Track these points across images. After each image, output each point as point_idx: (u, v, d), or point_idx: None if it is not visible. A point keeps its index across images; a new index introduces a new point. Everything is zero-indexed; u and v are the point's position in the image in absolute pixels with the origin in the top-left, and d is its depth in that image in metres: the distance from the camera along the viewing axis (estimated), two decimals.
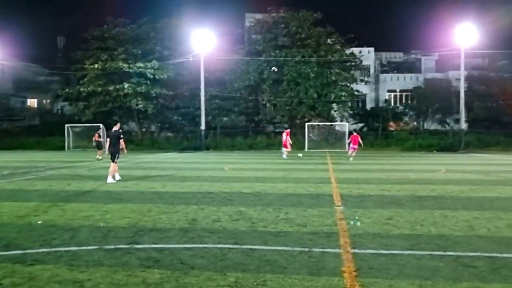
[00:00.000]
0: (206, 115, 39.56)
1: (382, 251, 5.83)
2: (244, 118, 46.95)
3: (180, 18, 43.87)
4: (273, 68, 43.75)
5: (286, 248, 5.99)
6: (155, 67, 41.20)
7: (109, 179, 13.60)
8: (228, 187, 12.32)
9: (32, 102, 62.01)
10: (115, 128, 14.22)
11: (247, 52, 44.80)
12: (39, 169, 18.61)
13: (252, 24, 46.85)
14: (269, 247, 6.06)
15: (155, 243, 6.28)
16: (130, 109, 43.27)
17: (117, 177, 14.05)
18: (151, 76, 41.26)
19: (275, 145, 40.01)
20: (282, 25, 44.14)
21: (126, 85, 41.06)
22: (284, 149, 26.28)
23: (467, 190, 11.75)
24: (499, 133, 39.24)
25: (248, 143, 40.21)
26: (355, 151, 24.97)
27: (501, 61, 45.88)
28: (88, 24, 47.47)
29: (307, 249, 5.91)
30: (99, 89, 41.72)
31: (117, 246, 6.09)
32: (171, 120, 47.99)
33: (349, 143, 26.43)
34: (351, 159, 24.25)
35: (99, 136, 27.98)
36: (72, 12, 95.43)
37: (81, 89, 42.50)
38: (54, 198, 10.40)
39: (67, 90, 45.17)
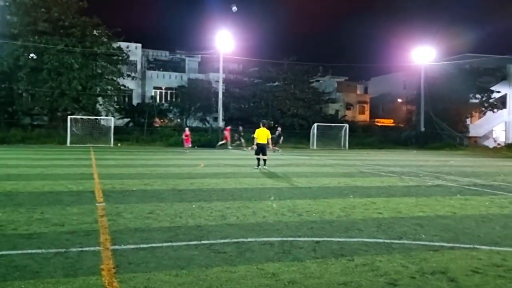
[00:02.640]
0: None
1: (142, 245, 6.00)
2: None
3: None
4: (31, 55, 39.64)
5: (39, 251, 5.62)
6: None
7: None
8: None
9: None
10: None
11: (0, 34, 39.47)
12: None
13: (7, 3, 41.46)
14: (19, 251, 5.59)
15: None
16: None
17: None
18: None
19: (32, 138, 36.42)
20: (43, 9, 40.34)
21: None
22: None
23: (221, 182, 12.96)
24: (250, 131, 44.21)
25: None
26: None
27: (253, 68, 51.92)
28: None
29: (63, 250, 5.67)
30: None
31: None
32: None
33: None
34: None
35: None
36: None
37: None
38: None
39: None
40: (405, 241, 6.52)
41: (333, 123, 44.90)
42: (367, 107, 70.04)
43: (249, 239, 6.49)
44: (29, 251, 5.63)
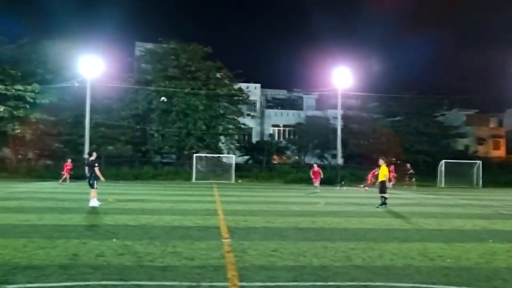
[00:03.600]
0: (91, 143, 37.64)
1: (268, 283, 6.03)
2: (130, 148, 45.52)
3: (66, 42, 41.76)
4: (162, 98, 43.42)
5: (173, 283, 5.93)
6: (36, 91, 38.47)
7: (93, 202, 15.24)
8: (113, 219, 11.83)
9: None
10: (92, 158, 16.36)
11: (136, 81, 44.07)
12: None
13: (143, 53, 46.34)
14: (156, 283, 5.95)
15: (31, 282, 5.82)
16: (4, 134, 39.60)
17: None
18: (31, 100, 38.40)
19: (162, 175, 39.30)
20: (173, 57, 44.27)
21: (1, 108, 37.70)
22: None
23: (343, 221, 12.63)
24: (369, 168, 42.89)
25: (134, 173, 38.89)
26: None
27: (372, 103, 50.73)
28: None
29: (195, 284, 5.91)
30: None
31: None
32: (51, 147, 44.84)
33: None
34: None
35: None
36: None
37: None
38: None
39: None
40: None
41: (463, 160, 41.68)
42: (502, 141, 63.98)
43: (377, 283, 6.19)
44: (165, 283, 5.96)
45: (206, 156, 41.18)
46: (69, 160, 30.76)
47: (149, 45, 46.63)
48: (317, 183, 27.15)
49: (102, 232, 9.78)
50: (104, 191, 23.35)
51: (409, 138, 47.14)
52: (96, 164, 15.94)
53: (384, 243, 9.29)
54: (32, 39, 41.67)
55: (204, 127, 41.89)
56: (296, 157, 53.18)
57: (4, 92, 37.80)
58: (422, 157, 45.91)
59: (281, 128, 59.46)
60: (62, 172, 29.67)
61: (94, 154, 16.72)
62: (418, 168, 42.14)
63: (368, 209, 16.63)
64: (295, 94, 65.09)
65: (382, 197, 17.19)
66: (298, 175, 40.41)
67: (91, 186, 15.70)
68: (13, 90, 37.99)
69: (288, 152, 53.22)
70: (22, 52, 41.00)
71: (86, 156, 19.68)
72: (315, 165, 28.18)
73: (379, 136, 47.79)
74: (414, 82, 49.87)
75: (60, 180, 29.15)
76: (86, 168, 16.94)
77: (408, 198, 22.98)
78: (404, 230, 11.32)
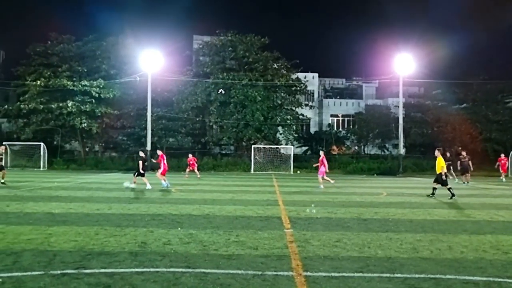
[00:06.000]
0: (152, 135, 38.95)
1: (333, 274, 5.97)
2: (190, 139, 46.63)
3: (128, 37, 43.39)
4: (220, 90, 44.01)
5: (239, 272, 6.00)
6: (101, 86, 40.33)
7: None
8: (177, 209, 12.16)
9: None
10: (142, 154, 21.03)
11: (195, 73, 44.91)
12: None
13: (200, 46, 47.12)
14: (222, 271, 6.05)
15: (104, 268, 6.09)
16: (73, 128, 41.87)
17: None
18: (96, 95, 40.30)
19: (221, 166, 39.97)
20: (230, 48, 44.69)
21: (70, 103, 39.85)
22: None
23: (408, 213, 12.26)
24: (434, 158, 41.29)
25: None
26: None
27: (436, 90, 48.62)
28: (30, 39, 45.72)
29: (260, 273, 5.95)
30: (41, 106, 40.26)
31: (64, 271, 5.86)
32: (115, 140, 46.86)
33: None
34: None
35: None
36: (14, 27, 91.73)
37: (21, 106, 40.83)
38: None
39: (6, 106, 43.22)
40: None
41: None
42: None
43: (448, 276, 5.96)
44: (230, 271, 6.05)
45: (264, 147, 41.38)
46: (191, 155, 30.23)
47: (207, 38, 47.32)
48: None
49: (168, 221, 10.08)
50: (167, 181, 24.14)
51: (477, 126, 44.82)
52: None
53: (453, 235, 8.93)
54: (97, 36, 43.58)
55: (262, 118, 42.06)
56: (356, 148, 52.21)
57: (72, 88, 39.84)
58: (492, 146, 43.59)
59: (340, 118, 58.56)
60: (189, 168, 29.25)
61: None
62: (488, 157, 40.08)
63: (433, 200, 16.05)
64: (354, 82, 63.81)
65: (448, 189, 16.49)
66: (358, 166, 39.72)
67: (142, 175, 19.50)
68: (80, 86, 39.99)
69: (348, 142, 52.34)
70: (88, 49, 43.07)
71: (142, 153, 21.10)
72: (321, 153, 23.42)
73: (444, 124, 45.80)
74: (482, 66, 46.69)
75: (186, 175, 29.07)
76: (141, 163, 19.85)
77: (476, 189, 21.94)
78: (474, 222, 10.81)
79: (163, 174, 20.21)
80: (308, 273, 5.97)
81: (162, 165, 20.43)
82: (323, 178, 21.89)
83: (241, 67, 44.33)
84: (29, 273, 5.79)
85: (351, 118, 57.00)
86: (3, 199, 14.33)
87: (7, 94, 50.48)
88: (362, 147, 51.88)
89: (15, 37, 77.04)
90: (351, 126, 56.11)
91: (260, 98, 41.88)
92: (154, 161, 22.68)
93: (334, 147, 49.15)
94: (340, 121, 58.48)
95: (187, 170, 29.42)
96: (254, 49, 44.28)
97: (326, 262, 6.63)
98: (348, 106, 58.56)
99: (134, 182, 19.54)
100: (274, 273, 5.98)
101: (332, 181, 22.30)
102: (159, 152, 21.05)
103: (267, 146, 41.65)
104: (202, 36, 49.87)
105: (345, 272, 6.09)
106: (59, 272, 5.83)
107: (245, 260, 6.68)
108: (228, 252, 7.15)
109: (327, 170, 22.78)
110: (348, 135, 52.81)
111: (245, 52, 43.81)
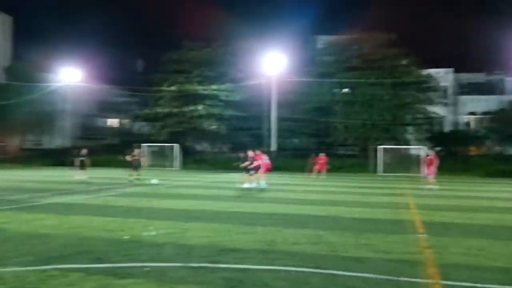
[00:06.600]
0: (277, 136, 39.73)
1: (477, 285, 5.45)
2: (315, 140, 46.54)
3: (252, 41, 44.87)
4: (345, 90, 43.30)
5: (370, 275, 5.78)
6: (229, 90, 42.36)
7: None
8: (303, 210, 12.19)
9: (113, 122, 65.71)
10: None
11: (318, 74, 44.75)
12: (121, 185, 19.53)
13: (324, 46, 46.84)
14: (352, 273, 5.89)
15: (237, 263, 6.31)
16: (203, 130, 44.55)
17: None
18: (224, 98, 42.41)
19: (346, 167, 39.22)
20: (355, 47, 43.72)
21: (200, 107, 42.48)
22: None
23: None
24: None
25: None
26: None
27: None
28: (165, 47, 49.78)
29: (394, 278, 5.67)
30: (175, 110, 43.52)
31: (201, 265, 6.19)
32: (242, 141, 48.77)
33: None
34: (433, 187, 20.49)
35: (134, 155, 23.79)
36: (150, 37, 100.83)
37: (158, 110, 44.56)
38: (138, 215, 10.85)
39: (145, 111, 47.55)
40: None
41: None
42: None
43: None
44: (361, 274, 5.86)
45: (392, 148, 39.68)
46: (322, 154, 29.94)
47: (330, 38, 46.87)
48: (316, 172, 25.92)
49: (294, 221, 10.15)
50: (291, 182, 24.44)
51: None
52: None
53: None
54: (224, 42, 45.84)
55: (389, 118, 40.43)
56: (498, 148, 47.49)
57: (202, 92, 42.46)
58: None
59: (479, 116, 53.76)
60: (315, 167, 28.83)
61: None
62: None
63: None
64: (496, 77, 58.12)
65: None
66: (500, 168, 36.07)
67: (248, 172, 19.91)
68: (210, 90, 42.45)
69: (488, 142, 47.84)
70: (216, 54, 45.45)
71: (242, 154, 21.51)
72: (431, 151, 23.08)
73: None
74: None
75: (313, 175, 28.53)
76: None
77: None
78: None
79: (264, 172, 20.70)
80: (448, 282, 5.54)
81: (258, 163, 20.24)
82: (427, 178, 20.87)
83: (366, 65, 43.03)
84: (170, 264, 6.23)
85: (492, 116, 51.96)
86: (146, 195, 15.73)
87: (146, 100, 55.51)
88: (505, 147, 47.02)
89: (152, 47, 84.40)
90: (492, 124, 51.15)
91: (388, 97, 40.31)
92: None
93: (472, 147, 45.35)
94: (479, 119, 53.70)
95: (315, 169, 29.09)
96: (381, 46, 42.72)
97: (466, 271, 6.10)
98: (488, 103, 53.29)
99: (251, 182, 19.82)
100: (408, 279, 5.66)
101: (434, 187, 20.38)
102: (251, 153, 20.64)
103: (395, 147, 39.88)
104: (325, 36, 49.60)
105: (489, 283, 5.54)
106: (196, 265, 6.18)
107: (376, 264, 6.43)
108: (358, 255, 6.95)
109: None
110: (489, 134, 48.21)
111: (371, 50, 42.52)
